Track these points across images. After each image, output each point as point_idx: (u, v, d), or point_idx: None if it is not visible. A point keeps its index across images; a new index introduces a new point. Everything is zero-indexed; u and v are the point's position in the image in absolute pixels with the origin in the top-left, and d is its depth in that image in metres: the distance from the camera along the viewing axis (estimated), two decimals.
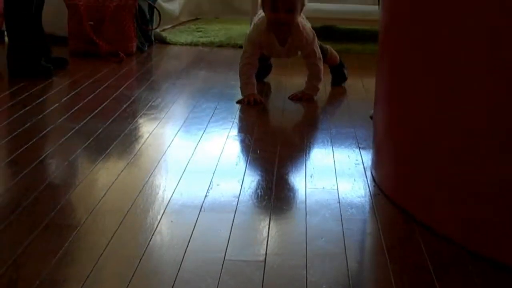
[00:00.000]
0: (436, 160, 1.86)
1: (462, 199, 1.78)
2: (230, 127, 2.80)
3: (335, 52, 3.54)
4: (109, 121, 2.80)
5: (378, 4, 2.46)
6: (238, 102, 3.15)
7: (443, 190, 1.84)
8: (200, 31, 5.22)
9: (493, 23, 1.64)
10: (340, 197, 2.09)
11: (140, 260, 1.66)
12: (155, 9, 4.57)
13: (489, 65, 1.67)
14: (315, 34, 3.24)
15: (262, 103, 3.14)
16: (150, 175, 2.23)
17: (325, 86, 3.43)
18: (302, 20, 3.21)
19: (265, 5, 3.13)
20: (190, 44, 4.75)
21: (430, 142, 1.87)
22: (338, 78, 3.58)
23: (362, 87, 3.51)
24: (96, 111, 2.95)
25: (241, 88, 3.19)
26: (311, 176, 2.26)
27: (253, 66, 3.20)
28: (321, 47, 3.40)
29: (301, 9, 3.13)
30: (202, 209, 1.96)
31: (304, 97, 3.23)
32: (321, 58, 3.25)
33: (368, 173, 2.30)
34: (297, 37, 3.17)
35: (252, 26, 3.23)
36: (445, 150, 1.82)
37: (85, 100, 3.14)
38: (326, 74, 3.37)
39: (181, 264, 1.64)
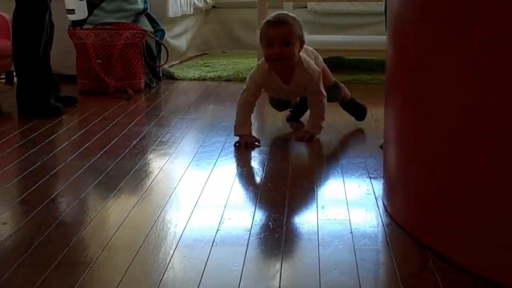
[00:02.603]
0: (448, 189, 1.85)
1: (477, 227, 1.77)
2: (240, 160, 2.80)
3: (346, 90, 3.42)
4: (119, 158, 2.81)
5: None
6: (235, 145, 3.01)
7: (457, 219, 1.83)
8: (208, 66, 5.25)
9: (502, 58, 1.65)
10: (353, 227, 2.08)
11: None
12: (162, 46, 4.60)
13: (499, 96, 1.67)
14: (320, 73, 3.12)
15: (259, 145, 3.01)
16: (162, 210, 2.23)
17: (334, 117, 3.43)
18: (307, 57, 3.11)
19: (261, 42, 3.04)
20: (198, 79, 4.77)
21: (442, 171, 1.87)
22: (359, 112, 3.44)
23: (371, 116, 3.51)
24: (106, 148, 2.96)
25: (235, 126, 3.05)
26: (322, 207, 2.25)
27: (251, 106, 3.08)
28: (336, 85, 3.33)
29: (301, 45, 3.02)
30: (214, 243, 1.96)
31: (307, 135, 3.09)
32: (326, 96, 3.14)
33: (380, 203, 2.29)
34: (301, 74, 3.05)
35: (256, 65, 3.15)
36: (457, 178, 1.81)
37: (95, 138, 3.15)
38: (338, 108, 3.37)
39: None
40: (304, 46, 3.12)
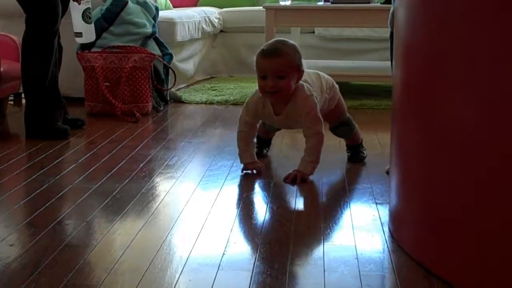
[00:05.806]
0: (455, 215, 1.85)
1: (484, 254, 1.76)
2: (246, 184, 2.81)
3: (359, 132, 3.22)
4: (126, 181, 2.81)
5: (391, 61, 2.48)
6: (243, 171, 2.96)
7: (463, 246, 1.83)
8: (215, 89, 5.26)
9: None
10: (358, 253, 2.08)
11: None
12: (170, 69, 4.63)
13: (505, 117, 1.67)
14: (317, 106, 2.84)
15: (263, 170, 2.97)
16: (168, 234, 2.23)
17: (340, 141, 3.43)
18: (307, 88, 2.85)
19: (257, 71, 2.82)
20: (205, 102, 4.79)
21: (448, 197, 1.87)
22: (357, 156, 3.20)
23: (378, 142, 3.51)
24: (113, 171, 2.97)
25: (239, 155, 2.98)
26: (328, 233, 2.25)
27: (250, 134, 2.97)
28: (349, 122, 3.17)
29: (299, 75, 2.79)
30: (220, 267, 1.96)
31: (299, 176, 2.83)
32: (323, 135, 2.86)
33: (386, 229, 2.29)
34: (295, 108, 2.84)
35: (255, 90, 2.96)
36: (464, 205, 1.81)
37: (102, 160, 3.16)
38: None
39: None
40: (322, 73, 3.02)
